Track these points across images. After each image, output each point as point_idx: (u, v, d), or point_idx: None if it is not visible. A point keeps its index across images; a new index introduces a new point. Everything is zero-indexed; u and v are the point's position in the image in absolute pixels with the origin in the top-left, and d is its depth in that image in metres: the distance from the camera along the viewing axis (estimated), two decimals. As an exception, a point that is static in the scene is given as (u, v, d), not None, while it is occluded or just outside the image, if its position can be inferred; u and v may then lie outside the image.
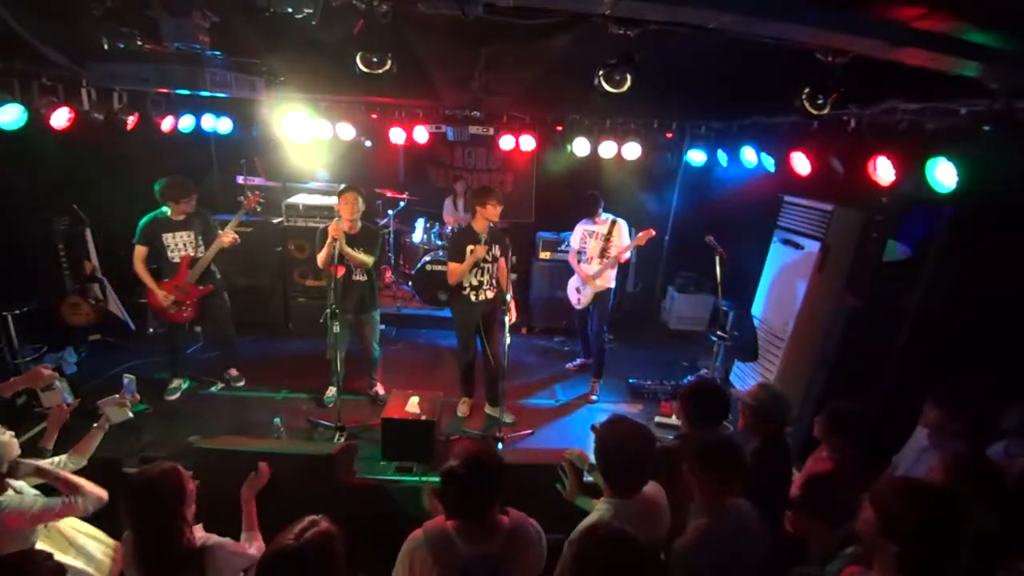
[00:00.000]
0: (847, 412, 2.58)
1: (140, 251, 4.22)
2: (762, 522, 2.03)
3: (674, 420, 4.48)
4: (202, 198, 4.47)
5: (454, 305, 4.49)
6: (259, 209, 4.84)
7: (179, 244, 4.31)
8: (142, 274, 4.24)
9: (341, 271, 4.12)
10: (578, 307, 5.12)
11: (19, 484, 2.24)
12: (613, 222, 4.85)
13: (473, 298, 4.28)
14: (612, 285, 4.93)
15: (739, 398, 2.64)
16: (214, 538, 2.05)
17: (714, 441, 2.10)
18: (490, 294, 4.33)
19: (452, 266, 4.19)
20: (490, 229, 4.21)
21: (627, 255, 5.14)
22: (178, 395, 4.64)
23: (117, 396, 2.76)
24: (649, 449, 2.00)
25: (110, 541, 2.47)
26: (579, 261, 5.00)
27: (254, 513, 2.41)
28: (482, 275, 4.27)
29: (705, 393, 2.59)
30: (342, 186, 4.27)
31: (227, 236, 4.36)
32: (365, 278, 4.36)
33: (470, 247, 4.11)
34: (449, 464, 1.82)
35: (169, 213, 4.26)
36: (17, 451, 2.25)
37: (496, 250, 4.25)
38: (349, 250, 4.08)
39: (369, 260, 4.23)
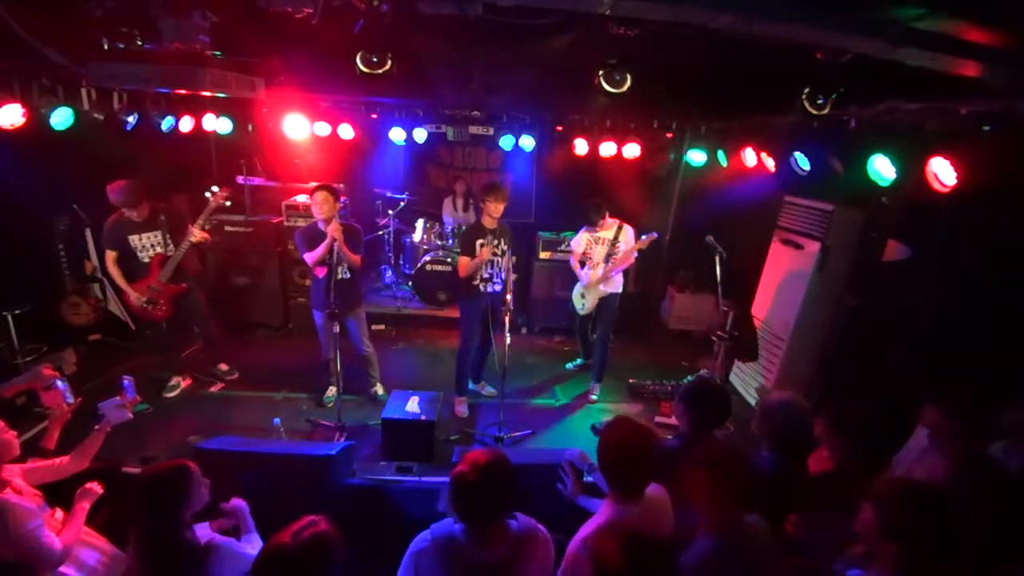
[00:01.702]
0: (847, 412, 2.57)
1: (110, 255, 4.19)
2: (773, 537, 1.96)
3: (674, 420, 4.47)
4: (200, 198, 4.46)
5: (462, 296, 4.58)
6: (228, 205, 4.55)
7: (147, 245, 4.26)
8: (115, 277, 4.22)
9: (323, 271, 4.14)
10: (582, 312, 5.09)
11: (20, 484, 2.24)
12: (619, 227, 4.77)
13: (482, 288, 4.40)
14: (619, 290, 4.86)
15: (762, 402, 2.61)
16: (218, 537, 2.03)
17: (727, 454, 1.99)
18: (498, 287, 4.40)
19: (463, 260, 4.30)
20: (499, 224, 4.32)
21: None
22: (177, 392, 4.64)
23: (118, 399, 2.76)
24: (651, 451, 1.95)
25: (110, 550, 2.44)
26: (582, 264, 4.93)
27: (248, 515, 2.37)
28: (491, 267, 4.39)
29: (708, 394, 2.54)
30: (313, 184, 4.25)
31: (196, 234, 4.26)
32: (349, 276, 4.34)
33: (480, 241, 4.23)
34: (460, 469, 1.78)
35: (131, 215, 4.18)
36: (17, 451, 2.26)
37: (504, 244, 4.34)
38: (347, 250, 4.09)
39: (357, 259, 4.24)
